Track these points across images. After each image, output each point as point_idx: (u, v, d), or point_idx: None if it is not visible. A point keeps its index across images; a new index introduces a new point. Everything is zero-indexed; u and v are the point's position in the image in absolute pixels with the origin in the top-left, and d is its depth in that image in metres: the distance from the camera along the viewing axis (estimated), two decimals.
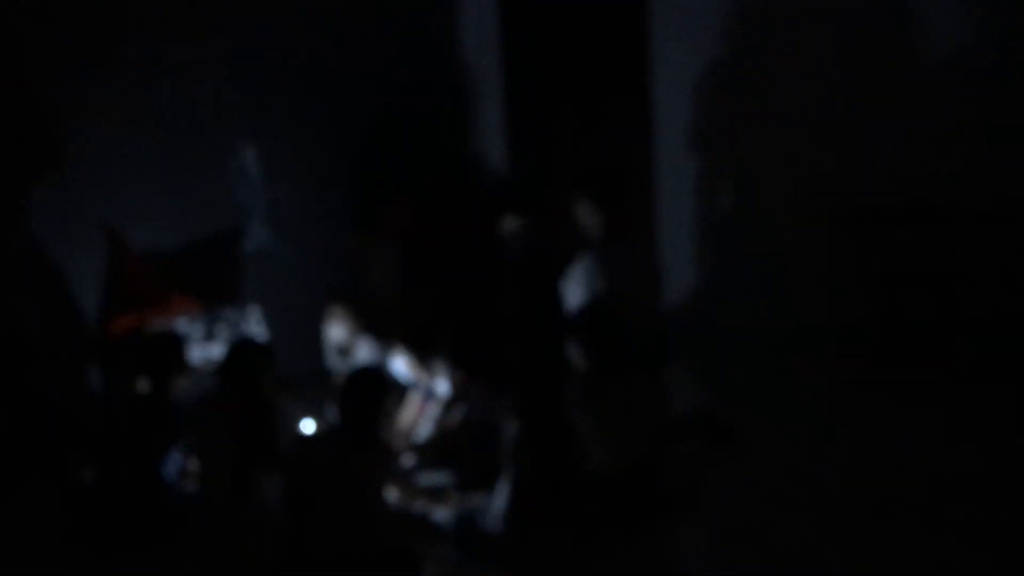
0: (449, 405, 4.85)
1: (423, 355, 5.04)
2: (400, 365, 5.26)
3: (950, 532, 3.78)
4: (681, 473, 4.41)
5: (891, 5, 5.76)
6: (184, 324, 5.45)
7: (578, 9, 6.95)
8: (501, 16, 7.29)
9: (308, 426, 4.68)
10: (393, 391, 3.95)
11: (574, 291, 4.75)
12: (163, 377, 4.32)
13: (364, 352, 5.74)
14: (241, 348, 4.36)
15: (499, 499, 3.91)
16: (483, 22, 7.33)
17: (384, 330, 5.71)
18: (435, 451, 4.73)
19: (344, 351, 5.80)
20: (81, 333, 5.12)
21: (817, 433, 4.91)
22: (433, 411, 4.94)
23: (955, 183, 5.53)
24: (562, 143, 7.26)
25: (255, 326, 5.77)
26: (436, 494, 4.36)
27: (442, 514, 4.17)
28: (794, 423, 5.07)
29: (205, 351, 5.55)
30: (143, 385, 4.39)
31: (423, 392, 5.12)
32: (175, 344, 4.51)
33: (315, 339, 5.92)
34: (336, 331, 5.70)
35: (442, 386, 4.92)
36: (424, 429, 4.95)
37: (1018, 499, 3.99)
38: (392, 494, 3.89)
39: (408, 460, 4.74)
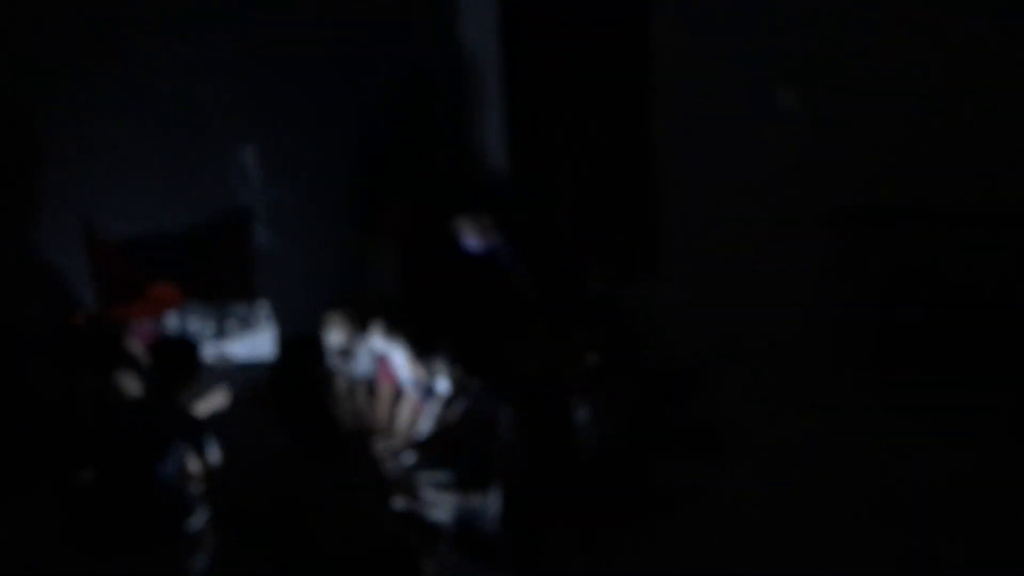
0: (449, 403, 4.85)
1: (423, 353, 5.05)
2: (400, 363, 5.28)
3: (948, 533, 3.78)
4: (680, 473, 4.42)
5: (891, 4, 5.76)
6: (195, 322, 5.46)
7: (579, 6, 6.96)
8: (501, 15, 7.29)
9: None
10: (332, 382, 3.86)
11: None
12: (174, 380, 4.31)
13: (364, 355, 5.79)
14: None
15: (496, 499, 3.90)
16: (483, 21, 7.33)
17: (384, 329, 5.74)
18: (435, 449, 4.74)
19: (344, 354, 5.84)
20: (79, 331, 5.10)
21: (815, 434, 4.91)
22: (433, 409, 4.95)
23: (954, 183, 5.53)
24: (563, 142, 7.27)
25: (264, 321, 5.77)
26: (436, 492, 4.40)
27: (441, 513, 4.18)
28: (792, 424, 5.07)
29: (216, 348, 5.55)
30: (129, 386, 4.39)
31: (423, 391, 5.14)
32: (190, 350, 4.51)
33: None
34: (335, 336, 5.80)
35: (442, 384, 4.93)
36: (424, 427, 4.96)
37: (1016, 501, 3.99)
38: (387, 491, 3.84)
39: (408, 458, 4.75)
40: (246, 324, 5.64)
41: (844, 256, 5.82)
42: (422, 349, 5.09)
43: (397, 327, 5.29)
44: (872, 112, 5.81)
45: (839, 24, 5.85)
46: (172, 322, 5.52)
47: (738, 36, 6.23)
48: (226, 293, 5.94)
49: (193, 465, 4.24)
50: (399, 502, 4.18)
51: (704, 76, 6.39)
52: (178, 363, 4.37)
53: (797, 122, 6.06)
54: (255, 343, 5.85)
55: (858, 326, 5.81)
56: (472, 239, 5.87)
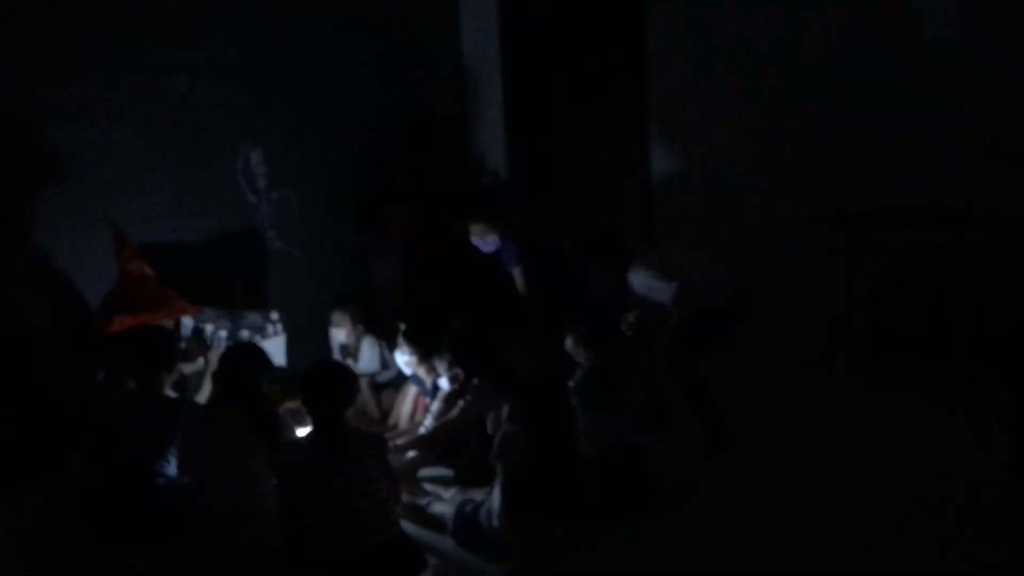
0: (450, 400, 4.88)
1: (424, 352, 5.08)
2: (402, 362, 5.32)
3: (943, 532, 3.79)
4: (677, 467, 4.44)
5: (890, 6, 5.79)
6: (209, 328, 5.47)
7: (578, 11, 7.01)
8: (502, 19, 7.34)
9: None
10: (349, 380, 3.86)
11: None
12: (153, 374, 4.30)
13: (367, 352, 5.83)
14: (237, 352, 4.37)
15: (495, 496, 3.92)
16: (484, 25, 7.38)
17: (386, 329, 5.79)
18: (436, 446, 4.77)
19: (348, 352, 5.89)
20: (85, 330, 5.14)
21: (813, 432, 4.93)
22: (435, 407, 4.98)
23: (950, 184, 5.55)
24: (563, 144, 7.32)
25: (274, 328, 5.79)
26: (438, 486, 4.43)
27: (442, 508, 4.21)
28: (791, 421, 5.09)
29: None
30: (131, 382, 4.40)
31: (425, 388, 5.17)
32: (165, 341, 4.51)
33: (320, 339, 5.98)
34: (339, 335, 5.86)
35: (444, 382, 4.97)
36: (426, 424, 4.99)
37: (1013, 498, 4.00)
38: (390, 487, 3.85)
39: (410, 454, 4.78)
40: (260, 332, 5.66)
41: (840, 256, 5.85)
42: (423, 349, 5.12)
43: (401, 330, 5.32)
44: (870, 112, 5.84)
45: (839, 22, 5.89)
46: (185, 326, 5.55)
47: (735, 37, 6.27)
48: (237, 300, 5.97)
49: (189, 459, 4.24)
50: (402, 498, 4.20)
51: (702, 76, 6.44)
52: (155, 350, 4.37)
53: (795, 122, 6.09)
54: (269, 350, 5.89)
55: (855, 325, 5.84)
56: (473, 241, 5.92)
